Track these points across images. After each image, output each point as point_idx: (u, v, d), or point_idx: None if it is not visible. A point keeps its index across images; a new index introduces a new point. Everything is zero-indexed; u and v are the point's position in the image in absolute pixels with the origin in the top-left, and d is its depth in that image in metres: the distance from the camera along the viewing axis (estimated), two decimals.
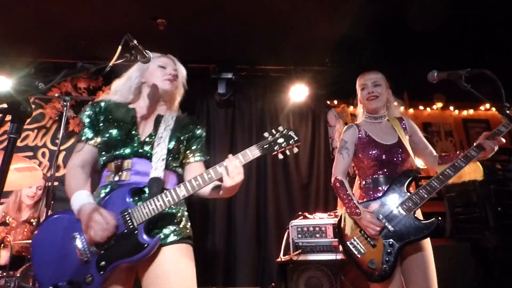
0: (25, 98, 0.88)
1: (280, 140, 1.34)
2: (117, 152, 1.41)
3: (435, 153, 1.93)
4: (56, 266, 1.29)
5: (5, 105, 0.87)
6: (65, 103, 2.68)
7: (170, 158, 1.45)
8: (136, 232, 1.27)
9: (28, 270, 2.47)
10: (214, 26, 3.33)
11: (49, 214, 1.41)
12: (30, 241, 2.63)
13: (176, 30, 3.29)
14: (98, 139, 1.47)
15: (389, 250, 1.63)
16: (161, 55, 1.66)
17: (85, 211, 1.27)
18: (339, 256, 2.48)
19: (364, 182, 1.88)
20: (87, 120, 1.50)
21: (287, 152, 1.34)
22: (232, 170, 1.28)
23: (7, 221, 2.89)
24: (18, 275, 2.41)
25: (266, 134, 1.35)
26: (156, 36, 3.27)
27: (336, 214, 2.78)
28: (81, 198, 1.33)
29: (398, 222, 1.67)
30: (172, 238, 1.36)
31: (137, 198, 1.35)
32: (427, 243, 1.74)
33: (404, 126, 1.95)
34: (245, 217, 3.62)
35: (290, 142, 1.33)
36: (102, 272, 1.25)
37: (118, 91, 1.60)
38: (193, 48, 3.56)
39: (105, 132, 1.45)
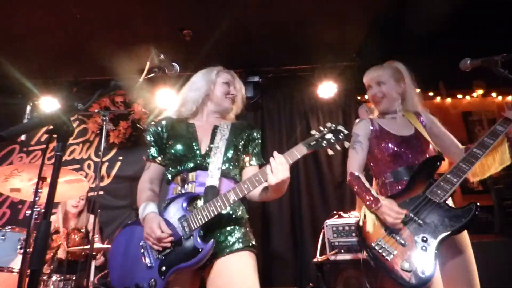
0: (67, 118, 0.97)
1: (328, 136, 1.31)
2: (182, 167, 1.49)
3: (460, 146, 1.76)
4: (126, 270, 1.41)
5: (51, 126, 0.96)
6: (104, 118, 2.87)
7: (230, 167, 1.49)
8: (191, 237, 1.32)
9: (83, 275, 2.67)
10: (238, 31, 3.40)
11: (125, 224, 1.54)
12: (81, 247, 2.85)
13: (202, 40, 3.39)
14: (163, 157, 1.57)
15: (423, 247, 1.43)
16: (223, 70, 1.72)
17: (147, 220, 1.38)
18: None
19: (383, 178, 1.73)
20: (151, 139, 1.60)
21: (338, 147, 1.31)
22: (276, 166, 1.27)
23: (59, 230, 3.14)
24: (74, 278, 2.61)
25: (313, 132, 1.34)
26: (183, 46, 3.39)
27: None
28: (146, 208, 1.43)
29: (429, 213, 1.48)
30: (237, 245, 1.38)
31: (194, 206, 1.41)
32: (467, 242, 1.56)
33: (423, 122, 1.80)
34: (280, 217, 3.64)
35: (340, 137, 1.31)
36: (163, 277, 1.32)
37: (186, 102, 1.65)
38: (219, 55, 3.64)
39: (170, 149, 1.53)
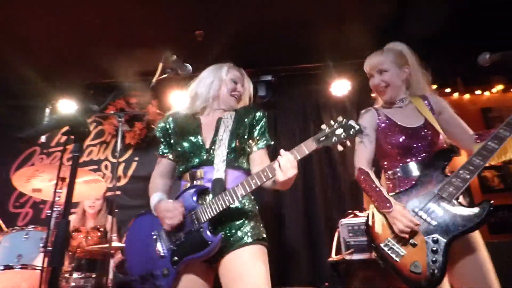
0: (84, 120, 1.00)
1: (339, 131, 1.28)
2: (189, 164, 1.52)
3: (471, 132, 1.63)
4: (141, 259, 1.46)
5: (68, 127, 0.99)
6: (120, 119, 2.93)
7: (235, 156, 1.50)
8: (201, 230, 1.35)
9: (102, 273, 2.74)
10: (249, 31, 3.40)
11: (137, 214, 1.60)
12: (100, 246, 2.93)
13: (214, 40, 3.41)
14: (173, 153, 1.61)
15: (434, 248, 1.35)
16: (233, 67, 1.74)
17: (158, 206, 1.42)
18: None
19: (391, 173, 1.63)
20: (160, 135, 1.66)
21: (348, 143, 1.28)
22: (284, 164, 1.27)
23: (79, 229, 3.22)
24: (93, 276, 2.69)
25: (323, 126, 1.31)
26: (195, 47, 3.42)
27: None
28: (156, 198, 1.49)
29: (440, 212, 1.40)
30: (247, 239, 1.39)
31: (203, 199, 1.44)
32: (479, 241, 1.46)
33: (429, 105, 1.66)
34: (294, 216, 3.62)
35: (351, 132, 1.27)
36: (175, 266, 1.36)
37: (195, 98, 1.67)
38: (231, 56, 3.63)
39: (177, 145, 1.57)
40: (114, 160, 4.11)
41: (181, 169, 1.55)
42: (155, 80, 1.36)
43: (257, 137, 1.57)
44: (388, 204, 1.46)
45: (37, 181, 2.51)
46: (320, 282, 3.13)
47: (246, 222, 1.44)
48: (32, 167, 2.64)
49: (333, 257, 2.57)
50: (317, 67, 3.96)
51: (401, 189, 1.54)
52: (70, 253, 2.96)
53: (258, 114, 1.62)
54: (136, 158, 4.10)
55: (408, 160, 1.58)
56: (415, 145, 1.58)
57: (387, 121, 1.67)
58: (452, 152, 1.52)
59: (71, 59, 3.62)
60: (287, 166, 1.26)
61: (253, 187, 1.32)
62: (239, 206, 1.47)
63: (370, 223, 1.55)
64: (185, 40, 3.38)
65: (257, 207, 1.56)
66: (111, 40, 3.46)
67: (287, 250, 3.55)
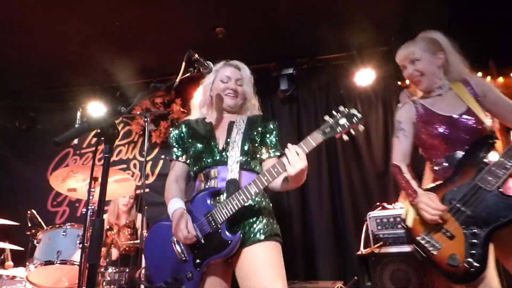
0: (113, 122, 1.04)
1: (342, 121, 1.28)
2: (203, 164, 1.55)
3: None
4: (162, 265, 1.49)
5: (99, 130, 1.03)
6: (146, 119, 3.02)
7: (248, 159, 1.53)
8: (219, 230, 1.37)
9: (135, 267, 2.85)
10: (270, 24, 3.37)
11: (154, 222, 1.63)
12: (133, 242, 3.04)
13: (234, 36, 3.42)
14: (186, 156, 1.65)
15: (472, 241, 1.31)
16: (224, 65, 1.73)
17: (175, 217, 1.44)
18: None
19: (436, 164, 1.59)
20: (173, 141, 1.70)
21: (352, 132, 1.28)
22: (292, 157, 1.27)
23: (112, 227, 3.37)
24: (127, 270, 2.80)
25: (326, 117, 1.32)
26: (216, 44, 3.44)
27: None
28: (173, 205, 1.50)
29: (479, 203, 1.34)
30: (260, 236, 1.41)
31: (217, 200, 1.46)
32: None
33: (471, 89, 1.58)
34: (321, 210, 3.59)
35: (353, 120, 1.27)
36: (198, 269, 1.39)
37: (196, 108, 1.77)
38: (252, 50, 3.66)
39: (191, 148, 1.61)
40: (142, 159, 4.24)
41: (195, 170, 1.59)
42: (179, 79, 1.39)
43: (270, 146, 1.60)
44: (414, 195, 1.46)
45: (72, 181, 2.64)
46: (349, 276, 3.09)
47: (260, 219, 1.46)
48: (67, 168, 2.77)
49: (362, 250, 2.53)
50: (340, 57, 3.88)
51: (443, 180, 1.50)
52: (105, 249, 3.10)
53: (271, 124, 1.65)
54: (162, 156, 4.21)
55: (453, 150, 1.53)
56: (458, 134, 1.53)
57: (426, 112, 1.62)
58: (492, 139, 1.45)
59: (99, 64, 3.75)
60: (295, 159, 1.27)
61: (266, 184, 1.33)
62: (253, 204, 1.49)
63: (404, 216, 1.57)
64: (206, 38, 3.41)
65: (270, 204, 1.58)
66: (136, 43, 3.55)
67: (314, 244, 3.53)
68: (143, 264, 2.83)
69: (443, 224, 1.41)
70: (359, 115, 1.28)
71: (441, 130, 1.55)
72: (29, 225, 2.66)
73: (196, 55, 1.49)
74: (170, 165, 1.71)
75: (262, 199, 1.54)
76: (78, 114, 3.20)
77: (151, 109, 4.12)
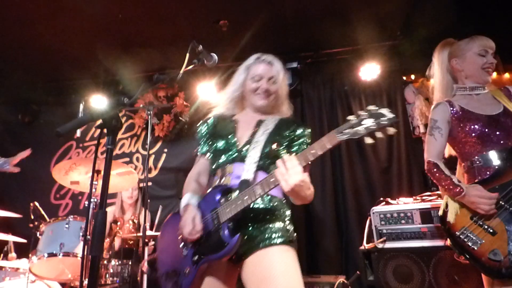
0: (115, 114, 1.02)
1: (367, 122, 1.09)
2: (221, 160, 1.51)
3: None
4: (168, 256, 1.49)
5: (101, 121, 1.02)
6: (149, 112, 3.00)
7: (268, 161, 1.44)
8: (219, 230, 1.32)
9: (137, 260, 2.86)
10: (274, 18, 3.33)
11: (173, 212, 1.64)
12: (135, 234, 3.05)
13: (238, 29, 3.38)
14: (209, 151, 1.60)
15: None
16: (255, 61, 1.61)
17: (184, 212, 1.42)
18: (430, 243, 2.29)
19: (469, 163, 1.62)
20: (200, 136, 1.66)
21: (379, 135, 1.10)
22: (283, 172, 1.15)
23: (117, 220, 3.38)
24: (130, 263, 2.81)
25: (350, 117, 1.13)
26: (220, 37, 3.41)
27: (424, 198, 2.58)
28: (185, 199, 1.48)
29: None
30: (273, 240, 1.32)
31: (228, 198, 1.39)
32: None
33: (510, 95, 1.65)
34: (323, 204, 3.58)
35: (382, 122, 1.08)
36: (195, 266, 1.35)
37: (227, 98, 1.67)
38: (256, 44, 3.62)
39: (212, 144, 1.57)
40: (144, 153, 4.24)
41: (213, 167, 1.56)
42: (182, 71, 1.36)
43: (295, 152, 1.47)
44: (459, 190, 1.46)
45: (74, 174, 2.63)
46: (352, 270, 3.09)
47: (273, 222, 1.37)
48: (70, 160, 2.76)
49: (365, 245, 2.52)
50: (345, 52, 3.84)
51: (480, 178, 1.53)
52: (108, 242, 3.11)
53: (300, 130, 1.52)
54: (165, 150, 4.20)
55: (487, 149, 1.56)
56: (493, 133, 1.56)
57: (462, 111, 1.65)
58: None
59: (101, 56, 3.73)
60: (289, 173, 1.14)
61: (271, 186, 1.23)
62: (267, 207, 1.41)
63: (441, 213, 1.58)
64: (209, 31, 3.38)
65: (287, 209, 1.47)
66: (139, 35, 3.53)
67: (317, 239, 3.53)
68: (146, 256, 2.84)
69: (485, 220, 1.44)
70: (390, 116, 1.08)
71: (476, 127, 1.58)
72: (32, 217, 2.67)
73: (200, 47, 1.46)
74: (195, 159, 1.68)
75: (278, 202, 1.45)
76: (81, 107, 3.19)
77: (154, 102, 4.11)
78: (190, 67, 1.43)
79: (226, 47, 3.51)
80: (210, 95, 3.88)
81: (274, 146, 1.46)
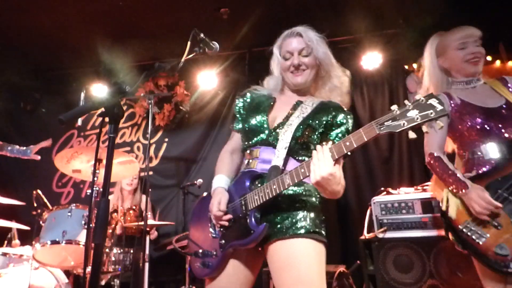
0: (117, 101, 1.02)
1: (413, 113, 0.99)
2: (250, 142, 1.45)
3: None
4: (198, 237, 1.50)
5: (103, 109, 1.01)
6: (149, 101, 2.99)
7: (297, 147, 1.36)
8: (247, 217, 1.30)
9: (139, 248, 2.89)
10: (275, 5, 3.29)
11: (206, 195, 1.62)
12: (136, 223, 3.07)
13: (239, 17, 3.34)
14: (242, 129, 1.52)
15: None
16: (284, 38, 1.50)
17: (214, 194, 1.41)
18: (430, 233, 2.31)
19: (468, 154, 1.59)
20: (236, 111, 1.57)
21: (424, 129, 1.03)
22: (315, 162, 1.11)
23: (117, 209, 3.40)
24: (131, 251, 2.85)
25: (393, 107, 1.03)
26: (221, 25, 3.37)
27: (425, 188, 2.58)
28: (216, 181, 1.46)
29: None
30: (298, 230, 1.27)
31: (256, 184, 1.35)
32: None
33: (510, 88, 1.61)
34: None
35: (429, 113, 0.98)
36: (222, 249, 1.37)
37: (270, 75, 1.58)
38: (257, 32, 3.58)
39: (246, 122, 1.48)
40: (145, 142, 4.24)
41: (244, 147, 1.50)
42: (184, 59, 1.35)
43: (335, 140, 1.36)
44: (463, 187, 1.43)
45: (76, 162, 2.64)
46: (351, 260, 3.12)
47: (300, 212, 1.31)
48: (71, 149, 2.76)
49: (365, 235, 2.54)
50: (346, 40, 3.79)
51: (480, 171, 1.51)
52: (109, 230, 3.14)
53: (341, 116, 1.39)
54: (166, 139, 4.20)
55: (487, 141, 1.54)
56: (495, 126, 1.54)
57: (461, 103, 1.62)
58: None
59: (102, 44, 3.69)
60: (319, 164, 1.09)
61: (301, 177, 1.17)
62: (296, 193, 1.34)
63: (444, 208, 1.54)
64: (210, 19, 3.34)
65: (317, 199, 1.39)
66: (139, 23, 3.48)
67: None
68: (147, 246, 2.87)
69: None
70: (439, 107, 0.97)
71: (477, 120, 1.56)
72: (35, 205, 2.69)
73: (202, 35, 1.45)
74: (231, 134, 1.60)
75: (309, 190, 1.37)
76: (82, 95, 3.17)
77: (155, 91, 4.08)
78: (191, 55, 1.42)
79: (227, 36, 3.48)
80: (210, 84, 3.86)
81: (306, 131, 1.37)
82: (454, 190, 1.47)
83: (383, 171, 3.54)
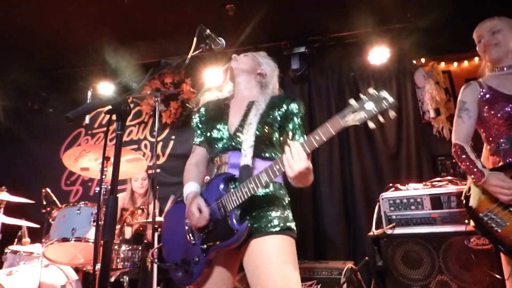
0: (124, 99, 1.01)
1: (369, 106, 1.10)
2: (215, 150, 1.51)
3: None
4: (174, 246, 1.49)
5: (110, 107, 1.01)
6: (156, 99, 2.99)
7: (260, 145, 1.42)
8: (227, 218, 1.33)
9: (147, 246, 2.91)
10: (281, 1, 3.26)
11: (175, 201, 1.63)
12: (145, 220, 3.09)
13: (245, 13, 3.32)
14: (204, 140, 1.61)
15: None
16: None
17: (188, 200, 1.43)
18: (440, 229, 2.28)
19: (496, 145, 1.60)
20: (194, 126, 1.68)
21: (380, 119, 1.12)
22: (290, 158, 1.16)
23: (126, 208, 3.42)
24: (140, 248, 2.86)
25: (352, 101, 1.14)
26: (227, 22, 3.35)
27: (433, 184, 2.55)
28: (188, 188, 1.49)
29: None
30: (271, 228, 1.34)
31: (230, 186, 1.40)
32: None
33: None
34: (331, 191, 3.58)
35: (383, 105, 1.09)
36: (204, 254, 1.37)
37: (223, 93, 1.73)
38: (263, 28, 3.56)
39: (206, 133, 1.57)
40: (152, 139, 4.25)
41: (210, 155, 1.57)
42: (190, 55, 1.34)
43: (292, 130, 1.47)
44: (480, 176, 1.47)
45: (84, 161, 2.66)
46: (360, 256, 3.11)
47: (272, 210, 1.38)
48: (79, 147, 2.79)
49: (374, 231, 2.52)
50: (354, 35, 3.75)
51: (507, 160, 1.53)
52: (118, 228, 3.16)
53: (296, 104, 1.49)
54: (173, 137, 4.21)
55: None
56: None
57: (491, 92, 1.62)
58: None
59: (108, 43, 3.71)
60: (294, 159, 1.15)
61: (278, 174, 1.24)
62: (266, 193, 1.42)
63: (463, 197, 1.59)
64: (216, 16, 3.32)
65: (287, 196, 1.49)
66: (146, 21, 3.48)
67: (325, 225, 3.54)
68: (156, 243, 2.89)
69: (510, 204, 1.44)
70: (390, 99, 1.09)
71: (507, 109, 1.56)
72: (44, 203, 2.72)
73: (208, 31, 1.44)
74: (192, 148, 1.69)
75: (278, 189, 1.46)
76: (89, 94, 3.19)
77: (161, 89, 4.09)
78: (198, 51, 1.41)
79: (233, 32, 3.46)
80: (217, 81, 3.85)
81: (265, 129, 1.44)
82: (475, 180, 1.51)
83: (391, 167, 3.51)
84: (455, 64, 3.75)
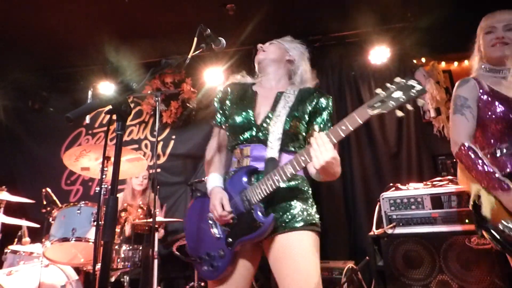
0: (125, 99, 1.01)
1: (397, 94, 1.08)
2: (238, 140, 1.45)
3: None
4: (198, 240, 1.49)
5: (110, 107, 1.01)
6: (156, 98, 2.98)
7: (286, 139, 1.39)
8: (252, 211, 1.32)
9: (148, 245, 2.91)
10: (281, 1, 3.26)
11: (196, 196, 1.60)
12: (146, 220, 3.09)
13: (245, 13, 3.31)
14: (227, 124, 1.52)
15: None
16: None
17: (212, 195, 1.41)
18: (440, 229, 2.28)
19: (493, 149, 1.48)
20: (217, 106, 1.58)
21: (408, 107, 1.09)
22: (316, 148, 1.14)
23: (126, 208, 3.42)
24: (140, 248, 2.86)
25: (378, 91, 1.12)
26: (227, 21, 3.35)
27: (434, 183, 2.54)
28: (212, 181, 1.46)
29: None
30: (295, 224, 1.32)
31: (254, 179, 1.38)
32: None
33: None
34: (331, 190, 3.57)
35: (411, 93, 1.07)
36: (230, 248, 1.36)
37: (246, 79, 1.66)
38: (263, 28, 3.55)
39: (229, 118, 1.49)
40: (153, 139, 4.25)
41: (232, 144, 1.49)
42: (190, 55, 1.34)
43: (320, 125, 1.43)
44: (504, 186, 1.33)
45: (85, 160, 2.65)
46: (360, 256, 3.10)
47: (296, 204, 1.36)
48: (80, 147, 2.78)
49: (374, 231, 2.52)
50: (354, 35, 3.75)
51: (507, 169, 1.40)
52: (118, 228, 3.16)
53: (324, 99, 1.46)
54: (173, 137, 4.21)
55: None
56: None
57: (491, 93, 1.49)
58: None
59: (108, 42, 3.70)
60: (321, 149, 1.13)
61: (303, 165, 1.22)
62: (289, 186, 1.39)
63: (471, 203, 1.45)
64: (216, 16, 3.32)
65: (310, 190, 1.45)
66: (146, 21, 3.48)
67: (325, 225, 3.51)
68: (156, 243, 2.89)
69: None
70: (418, 87, 1.06)
71: (505, 110, 1.45)
72: (44, 202, 2.71)
73: (208, 30, 1.43)
74: (213, 130, 1.61)
75: (300, 181, 1.43)
76: (89, 93, 3.19)
77: (162, 89, 4.09)
78: (198, 51, 1.41)
79: (233, 32, 3.45)
80: (217, 80, 3.85)
81: (294, 123, 1.41)
82: (491, 189, 1.37)
83: (392, 167, 3.51)
84: (456, 63, 3.75)
